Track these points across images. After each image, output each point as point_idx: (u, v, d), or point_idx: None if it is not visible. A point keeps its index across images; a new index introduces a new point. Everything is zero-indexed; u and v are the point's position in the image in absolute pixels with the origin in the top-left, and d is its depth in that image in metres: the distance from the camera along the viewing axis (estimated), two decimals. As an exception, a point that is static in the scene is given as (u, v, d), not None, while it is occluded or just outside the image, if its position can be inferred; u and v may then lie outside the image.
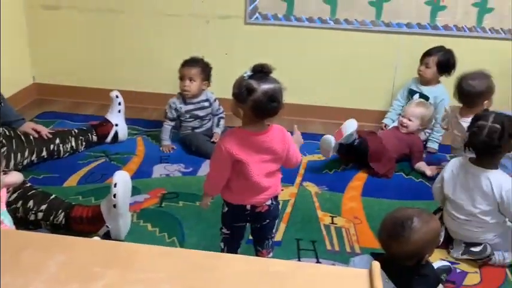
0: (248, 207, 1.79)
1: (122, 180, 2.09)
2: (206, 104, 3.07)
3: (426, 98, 3.19)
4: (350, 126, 2.80)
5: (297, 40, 3.43)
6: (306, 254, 2.19)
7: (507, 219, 2.14)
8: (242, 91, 1.64)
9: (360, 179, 2.84)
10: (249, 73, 1.66)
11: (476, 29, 3.25)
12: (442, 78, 3.19)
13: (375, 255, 1.70)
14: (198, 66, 2.96)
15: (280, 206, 1.95)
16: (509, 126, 2.00)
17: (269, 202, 1.82)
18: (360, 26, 3.34)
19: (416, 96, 3.24)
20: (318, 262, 2.15)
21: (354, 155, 2.93)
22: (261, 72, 1.65)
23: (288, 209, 2.51)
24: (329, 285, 1.04)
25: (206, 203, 1.90)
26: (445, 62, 3.13)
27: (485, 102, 2.57)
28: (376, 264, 1.05)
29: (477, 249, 2.12)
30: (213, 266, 1.07)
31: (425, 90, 3.23)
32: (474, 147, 2.07)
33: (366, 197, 2.65)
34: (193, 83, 2.96)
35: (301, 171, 2.90)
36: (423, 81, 3.23)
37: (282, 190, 2.65)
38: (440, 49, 3.16)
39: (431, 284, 1.66)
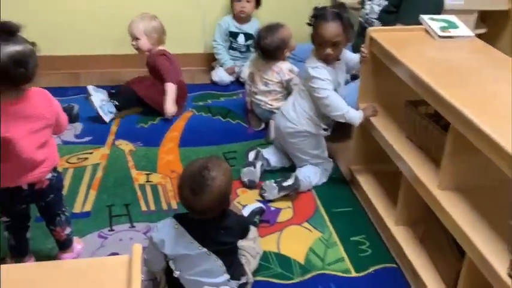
0: (25, 186, 1.55)
1: None
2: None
3: (252, 36, 3.10)
4: None
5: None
6: (118, 221, 2.03)
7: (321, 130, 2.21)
8: None
9: (176, 129, 2.71)
10: None
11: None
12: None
13: (178, 217, 1.59)
14: None
15: (62, 176, 1.73)
16: None
17: (49, 176, 1.58)
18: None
19: (242, 37, 3.17)
20: (132, 227, 2.00)
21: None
22: (6, 32, 1.36)
23: (99, 174, 2.30)
24: (85, 280, 0.90)
25: None
26: None
27: (285, 50, 2.60)
28: (137, 248, 0.92)
29: (289, 182, 2.15)
30: None
31: (247, 28, 3.16)
32: None
33: (183, 147, 2.54)
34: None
35: (114, 128, 2.68)
36: (243, 18, 3.16)
37: (91, 153, 2.48)
38: None
39: (237, 234, 1.62)
